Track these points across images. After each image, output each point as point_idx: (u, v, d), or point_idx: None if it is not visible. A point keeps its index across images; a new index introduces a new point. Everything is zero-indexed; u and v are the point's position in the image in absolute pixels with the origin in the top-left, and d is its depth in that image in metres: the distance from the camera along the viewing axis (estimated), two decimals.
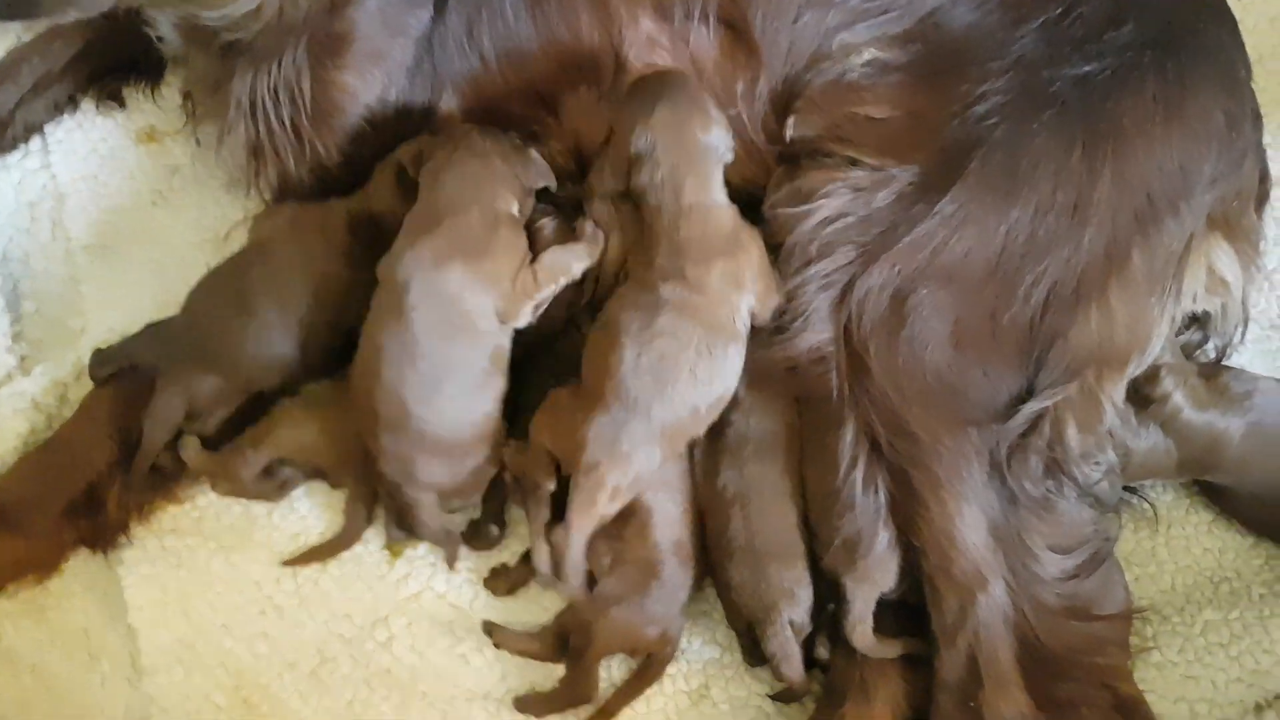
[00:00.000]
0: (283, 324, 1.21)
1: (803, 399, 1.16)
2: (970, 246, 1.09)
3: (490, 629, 1.15)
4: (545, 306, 1.19)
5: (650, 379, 1.11)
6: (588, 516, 1.10)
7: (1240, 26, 1.50)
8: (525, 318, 1.17)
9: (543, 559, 1.13)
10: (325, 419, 1.21)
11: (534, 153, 1.23)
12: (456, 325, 1.14)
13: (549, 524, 1.13)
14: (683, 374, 1.12)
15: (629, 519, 1.13)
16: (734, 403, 1.17)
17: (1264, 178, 1.26)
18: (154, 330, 1.25)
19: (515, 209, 1.19)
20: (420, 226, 1.16)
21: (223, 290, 1.23)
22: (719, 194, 1.19)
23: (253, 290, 1.21)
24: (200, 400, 1.20)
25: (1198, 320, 1.24)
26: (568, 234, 1.23)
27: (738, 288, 1.15)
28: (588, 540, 1.11)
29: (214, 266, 1.28)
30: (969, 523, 1.05)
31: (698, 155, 1.18)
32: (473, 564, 1.21)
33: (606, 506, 1.11)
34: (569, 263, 1.19)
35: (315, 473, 1.23)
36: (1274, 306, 1.40)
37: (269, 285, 1.21)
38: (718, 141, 1.19)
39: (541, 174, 1.22)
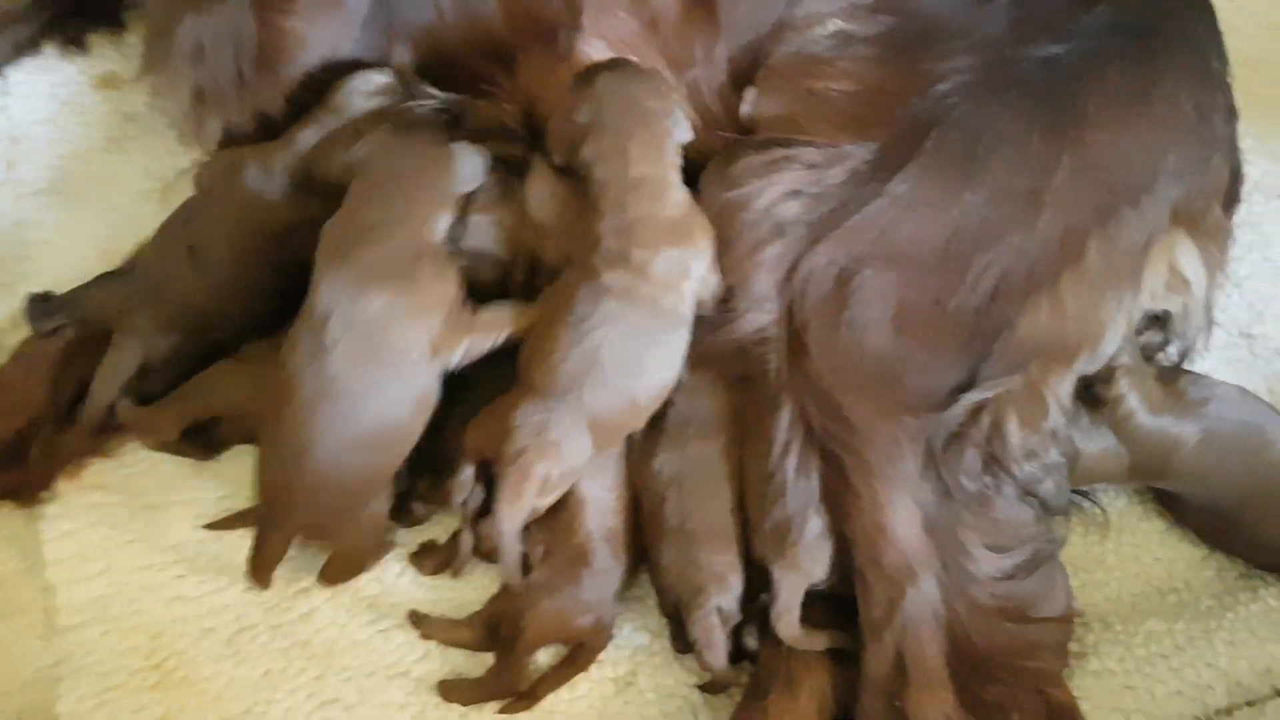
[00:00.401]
0: (231, 275, 1.18)
1: (744, 380, 1.12)
2: (919, 228, 1.06)
3: (417, 619, 1.12)
4: (475, 355, 1.13)
5: (584, 367, 1.07)
6: (515, 508, 1.06)
7: (1231, 27, 1.49)
8: (457, 357, 1.11)
9: (466, 548, 1.11)
10: (257, 377, 1.17)
11: (464, 150, 1.15)
12: (383, 361, 1.07)
13: (476, 516, 1.10)
14: (619, 363, 1.08)
15: (560, 509, 1.10)
16: (677, 385, 1.14)
17: (1235, 177, 1.23)
18: (106, 282, 1.23)
19: (445, 224, 1.12)
20: (338, 249, 1.09)
21: (173, 242, 1.20)
22: (671, 172, 1.14)
23: (199, 242, 1.18)
24: (156, 356, 1.17)
25: (1159, 321, 1.20)
26: (511, 194, 1.19)
27: (685, 275, 1.11)
28: (519, 530, 1.07)
29: (166, 218, 1.24)
30: (901, 514, 1.02)
31: (647, 122, 1.14)
32: (399, 539, 1.18)
33: (538, 498, 1.07)
34: (509, 321, 1.13)
35: (247, 434, 1.20)
36: (1244, 314, 1.37)
37: (214, 236, 1.18)
38: (670, 110, 1.15)
39: (474, 174, 1.15)
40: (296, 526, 1.08)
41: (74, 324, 1.20)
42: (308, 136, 1.18)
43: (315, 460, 1.06)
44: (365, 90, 1.19)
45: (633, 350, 1.09)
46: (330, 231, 1.11)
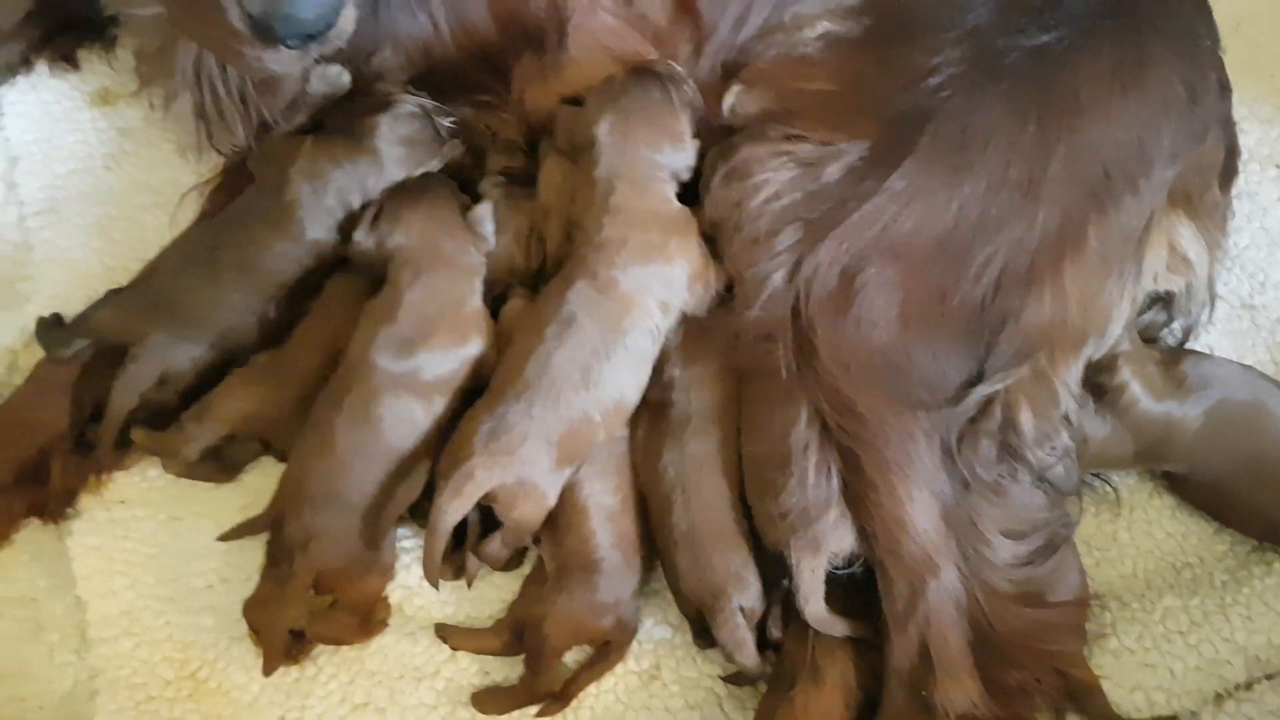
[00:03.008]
0: (253, 286, 1.19)
1: (747, 374, 1.13)
2: (919, 223, 1.06)
3: (444, 631, 1.13)
4: None
5: (537, 378, 1.09)
6: (451, 507, 1.07)
7: None
8: None
9: (472, 567, 1.14)
10: (269, 389, 1.19)
11: (482, 216, 1.20)
12: (419, 413, 1.13)
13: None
14: (572, 376, 1.10)
15: (565, 522, 1.12)
16: (673, 383, 1.15)
17: (1231, 152, 1.23)
18: (118, 298, 1.23)
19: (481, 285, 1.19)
20: (395, 342, 1.13)
21: (194, 251, 1.22)
22: (658, 202, 1.17)
23: (222, 253, 1.20)
24: (175, 367, 1.18)
25: (1161, 300, 1.21)
26: (515, 206, 1.21)
27: (650, 292, 1.13)
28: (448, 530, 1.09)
29: (182, 231, 1.26)
30: (919, 507, 1.03)
31: (639, 167, 1.16)
32: (419, 542, 1.17)
33: (510, 510, 1.09)
34: None
35: (261, 446, 1.22)
36: (1244, 285, 1.37)
37: (238, 248, 1.20)
38: (669, 161, 1.18)
39: (492, 232, 1.20)
40: (311, 572, 1.09)
41: (89, 342, 1.21)
42: (346, 180, 1.20)
43: (341, 510, 1.09)
44: (396, 134, 1.21)
45: (586, 363, 1.11)
46: (380, 315, 1.15)
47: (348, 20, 1.00)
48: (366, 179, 1.21)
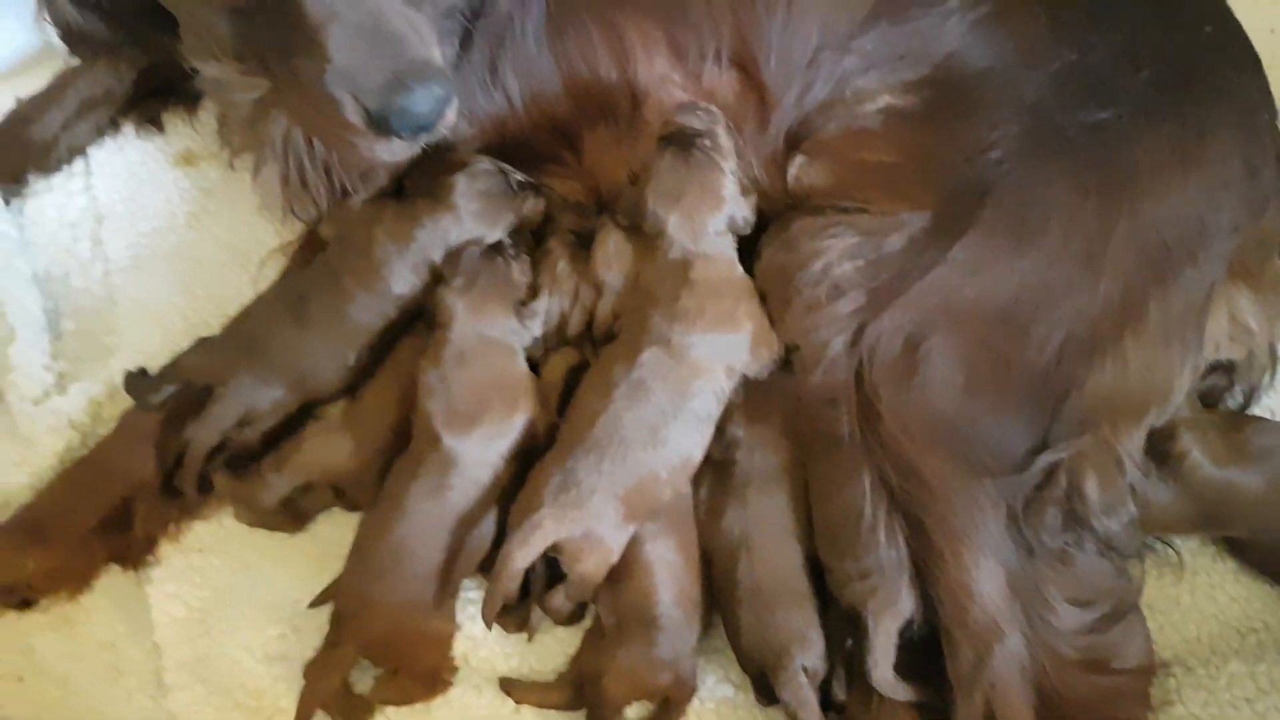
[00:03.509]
0: (337, 335, 1.24)
1: (812, 438, 1.15)
2: (983, 294, 1.08)
3: (508, 686, 1.16)
4: None
5: (608, 438, 1.12)
6: (520, 554, 1.10)
7: (1273, 59, 1.47)
8: None
9: (535, 619, 1.16)
10: (346, 440, 1.23)
11: (538, 311, 1.24)
12: (483, 479, 1.17)
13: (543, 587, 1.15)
14: (640, 435, 1.12)
15: (627, 577, 1.14)
16: (735, 442, 1.18)
17: None
18: (204, 346, 1.27)
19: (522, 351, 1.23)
20: (457, 415, 1.17)
21: (283, 299, 1.27)
22: (724, 268, 1.20)
23: (310, 302, 1.24)
24: (256, 409, 1.22)
25: (1223, 366, 1.21)
26: (576, 267, 1.25)
27: (720, 358, 1.16)
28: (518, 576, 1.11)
29: (269, 285, 1.31)
30: (985, 574, 1.04)
31: (709, 243, 1.20)
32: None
33: (576, 564, 1.11)
34: None
35: (333, 495, 1.25)
36: None
37: (325, 299, 1.24)
38: (730, 224, 1.22)
39: (538, 317, 1.24)
40: (367, 641, 1.12)
41: (176, 389, 1.24)
42: (428, 238, 1.24)
43: (402, 579, 1.12)
44: (474, 190, 1.25)
45: (655, 424, 1.13)
46: (436, 389, 1.18)
47: (453, 110, 1.05)
48: (448, 234, 1.25)
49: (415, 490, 1.15)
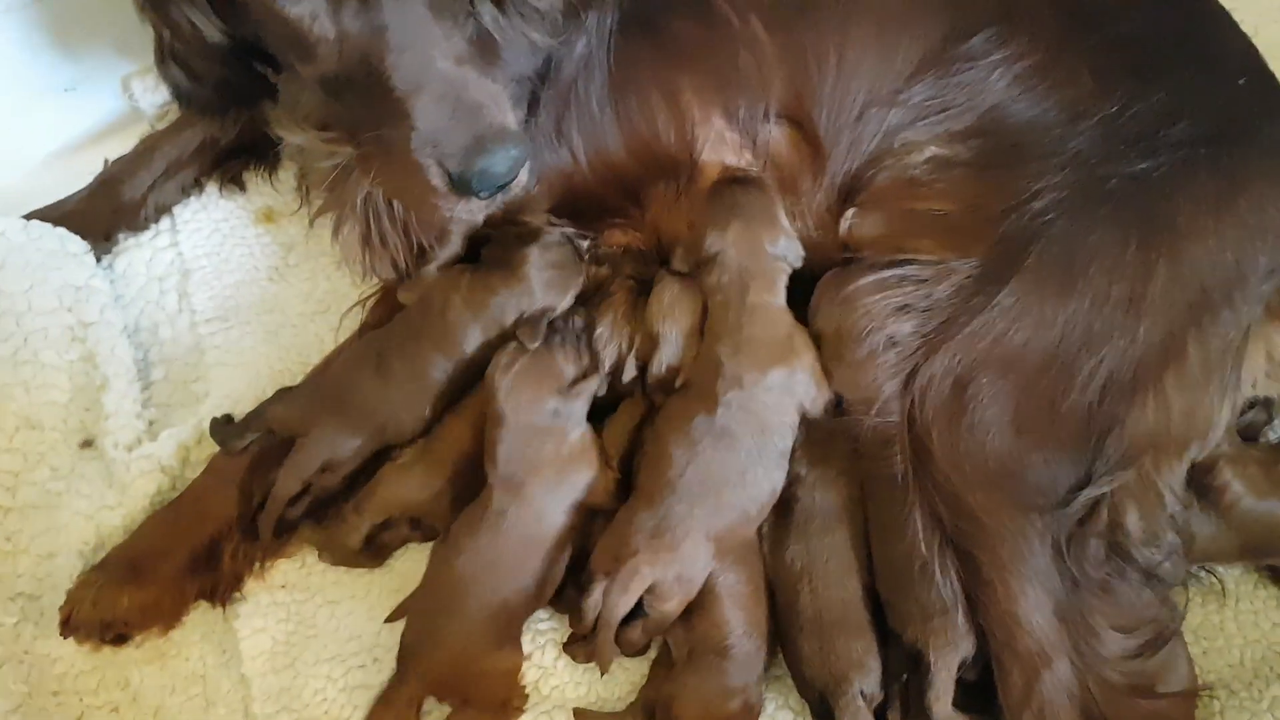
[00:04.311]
0: (416, 390, 1.30)
1: (868, 478, 1.19)
2: (1029, 337, 1.12)
3: (581, 715, 1.21)
4: None
5: (698, 484, 1.16)
6: (621, 601, 1.14)
7: None
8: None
9: (605, 654, 1.19)
10: (419, 476, 1.29)
11: (588, 385, 1.27)
12: (545, 544, 1.22)
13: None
14: (730, 480, 1.17)
15: (700, 608, 1.18)
16: (798, 480, 1.22)
17: None
18: (287, 395, 1.34)
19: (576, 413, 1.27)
20: (514, 480, 1.22)
21: (364, 355, 1.32)
22: (780, 297, 1.25)
23: (390, 360, 1.30)
24: (338, 456, 1.28)
25: (1261, 402, 1.25)
26: (637, 308, 1.31)
27: (790, 394, 1.21)
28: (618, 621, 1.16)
29: (350, 341, 1.38)
30: (1033, 603, 1.08)
31: (766, 263, 1.25)
32: (555, 625, 1.28)
33: (659, 603, 1.15)
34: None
35: (412, 528, 1.31)
36: None
37: (405, 359, 1.31)
38: (784, 251, 1.27)
39: (568, 362, 1.28)
40: (433, 677, 1.17)
41: (260, 436, 1.31)
42: (502, 307, 1.31)
43: (464, 618, 1.17)
44: (546, 262, 1.31)
45: (741, 467, 1.18)
46: (488, 455, 1.24)
47: (528, 170, 1.13)
48: (520, 303, 1.31)
49: (475, 533, 1.20)
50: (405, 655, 1.18)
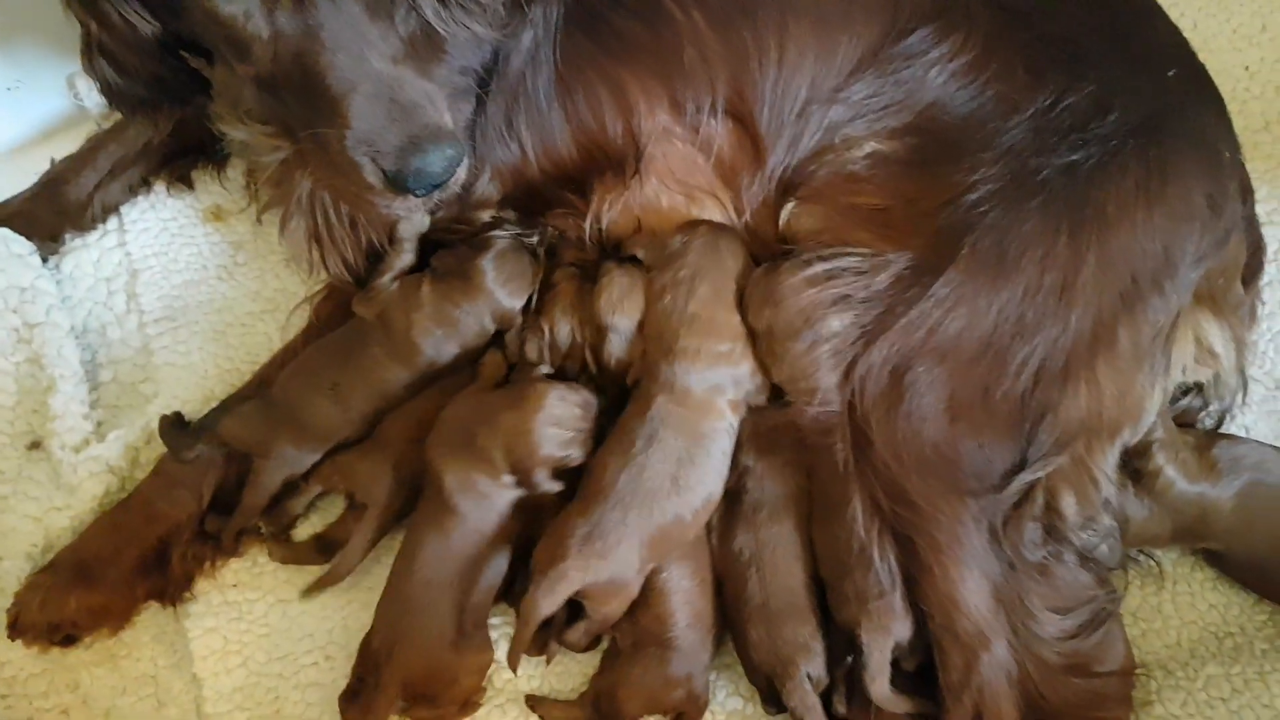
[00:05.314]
0: (373, 404, 1.32)
1: (812, 467, 1.21)
2: (963, 326, 1.14)
3: (533, 702, 1.22)
4: None
5: (630, 490, 1.18)
6: (544, 604, 1.15)
7: (1248, 94, 1.55)
8: None
9: (553, 650, 1.23)
10: (361, 452, 1.32)
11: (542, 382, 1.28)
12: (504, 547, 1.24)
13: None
14: (663, 485, 1.18)
15: (644, 602, 1.19)
16: (747, 471, 1.24)
17: (1256, 250, 1.30)
18: (240, 411, 1.33)
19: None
20: (467, 477, 1.23)
21: (317, 377, 1.33)
22: (727, 307, 1.26)
23: (345, 387, 1.32)
24: (298, 471, 1.31)
25: (1196, 388, 1.28)
26: (582, 299, 1.33)
27: (721, 392, 1.22)
28: (540, 622, 1.17)
29: (308, 352, 1.37)
30: (971, 586, 1.10)
31: (722, 276, 1.26)
32: (507, 620, 1.28)
33: (595, 605, 1.17)
34: None
35: (349, 505, 1.32)
36: (1279, 367, 1.42)
37: (362, 375, 1.32)
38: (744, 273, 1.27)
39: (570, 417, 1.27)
40: (406, 679, 1.17)
41: (216, 453, 1.31)
42: (467, 320, 1.32)
43: (427, 617, 1.18)
44: (502, 275, 1.32)
45: (675, 472, 1.19)
46: (453, 447, 1.24)
47: (465, 169, 1.14)
48: (483, 316, 1.33)
49: (426, 537, 1.22)
50: (376, 662, 1.18)
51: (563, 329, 1.33)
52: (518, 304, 1.33)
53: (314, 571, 1.31)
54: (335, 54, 1.06)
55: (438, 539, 1.21)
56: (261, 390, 1.36)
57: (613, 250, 1.37)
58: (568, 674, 1.26)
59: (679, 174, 1.34)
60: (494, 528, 1.23)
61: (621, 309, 1.30)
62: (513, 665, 1.18)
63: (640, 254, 1.33)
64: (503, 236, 1.33)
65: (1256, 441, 1.28)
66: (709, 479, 1.21)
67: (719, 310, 1.26)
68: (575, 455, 1.25)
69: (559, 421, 1.23)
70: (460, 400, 1.28)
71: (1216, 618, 1.28)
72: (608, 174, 1.34)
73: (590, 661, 1.25)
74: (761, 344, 1.24)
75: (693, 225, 1.32)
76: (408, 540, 1.23)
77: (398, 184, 1.08)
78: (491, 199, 1.35)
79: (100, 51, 1.16)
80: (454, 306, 1.32)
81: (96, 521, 1.32)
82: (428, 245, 1.37)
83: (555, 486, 1.25)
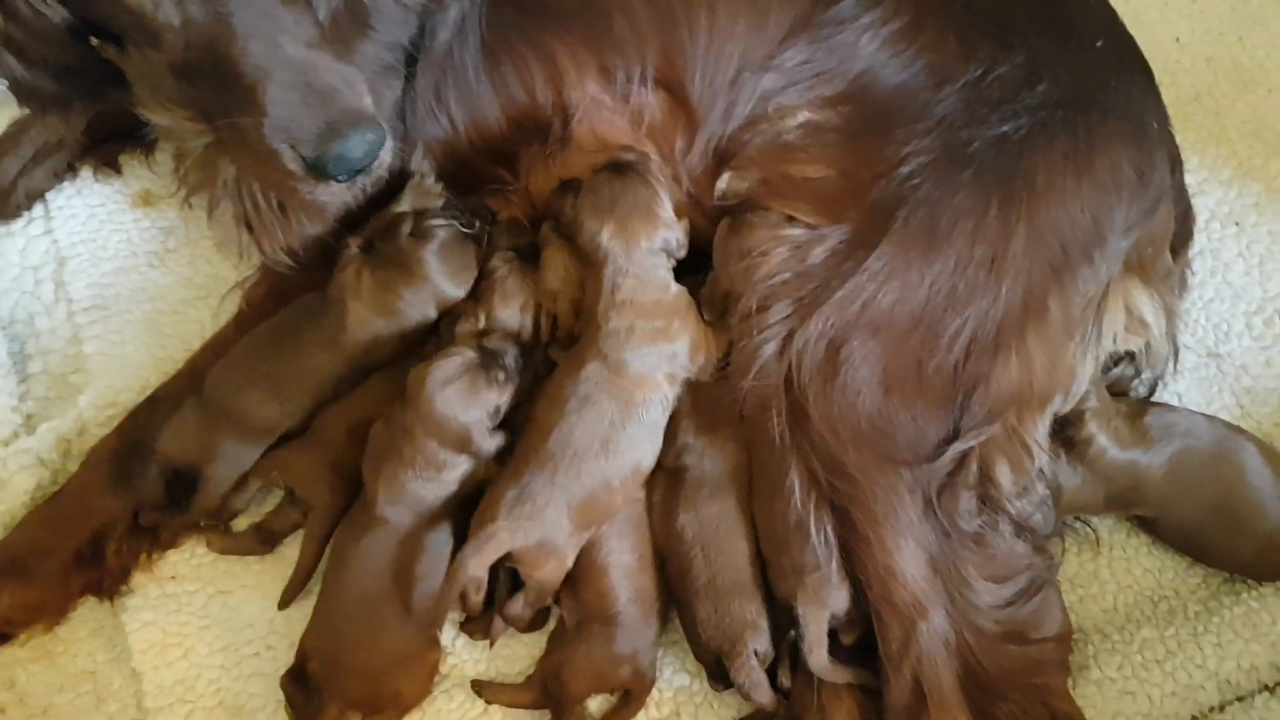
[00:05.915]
0: (312, 395, 1.31)
1: (751, 442, 1.21)
2: (896, 300, 1.15)
3: (479, 687, 1.21)
4: None
5: (560, 451, 1.17)
6: (473, 563, 1.15)
7: (1178, 66, 1.58)
8: None
9: (498, 627, 1.22)
10: (300, 446, 1.30)
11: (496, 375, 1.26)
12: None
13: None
14: (591, 448, 1.18)
15: (585, 579, 1.19)
16: (687, 448, 1.24)
17: (1185, 219, 1.32)
18: (178, 424, 1.30)
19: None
20: (396, 480, 1.22)
21: (252, 371, 1.31)
22: (660, 290, 1.26)
23: (285, 378, 1.30)
24: (244, 466, 1.29)
25: (1127, 356, 1.29)
26: (526, 277, 1.32)
27: (658, 368, 1.22)
28: (468, 580, 1.16)
29: (242, 345, 1.34)
30: (907, 556, 1.11)
31: (641, 260, 1.26)
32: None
33: (531, 570, 1.17)
34: None
35: (299, 517, 1.30)
36: (1210, 336, 1.46)
37: (299, 366, 1.30)
38: (664, 245, 1.27)
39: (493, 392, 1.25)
40: (350, 698, 1.15)
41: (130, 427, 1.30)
42: (409, 305, 1.31)
43: (364, 627, 1.17)
44: (446, 267, 1.31)
45: (605, 435, 1.19)
46: (381, 456, 1.23)
47: (388, 152, 1.12)
48: (427, 306, 1.32)
49: (354, 546, 1.21)
50: (318, 681, 1.16)
51: (507, 315, 1.31)
52: (462, 293, 1.32)
53: (253, 562, 1.30)
54: (248, 41, 1.04)
55: (367, 550, 1.20)
56: (192, 382, 1.33)
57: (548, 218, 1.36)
58: (514, 657, 1.25)
59: (610, 144, 1.33)
60: (426, 520, 1.22)
61: (566, 290, 1.30)
62: (437, 624, 1.18)
63: (558, 227, 1.32)
64: (443, 225, 1.31)
65: (1187, 409, 1.30)
66: (639, 445, 1.21)
67: (651, 288, 1.25)
68: (493, 398, 1.23)
69: (449, 379, 1.21)
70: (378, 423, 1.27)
71: (1151, 582, 1.30)
72: (535, 145, 1.33)
73: (536, 644, 1.25)
74: (710, 308, 1.25)
75: (595, 193, 1.29)
76: (334, 556, 1.22)
77: (318, 171, 1.06)
78: (426, 174, 1.34)
79: (6, 45, 1.13)
80: (396, 297, 1.30)
81: (28, 516, 1.29)
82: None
83: (498, 440, 1.24)
